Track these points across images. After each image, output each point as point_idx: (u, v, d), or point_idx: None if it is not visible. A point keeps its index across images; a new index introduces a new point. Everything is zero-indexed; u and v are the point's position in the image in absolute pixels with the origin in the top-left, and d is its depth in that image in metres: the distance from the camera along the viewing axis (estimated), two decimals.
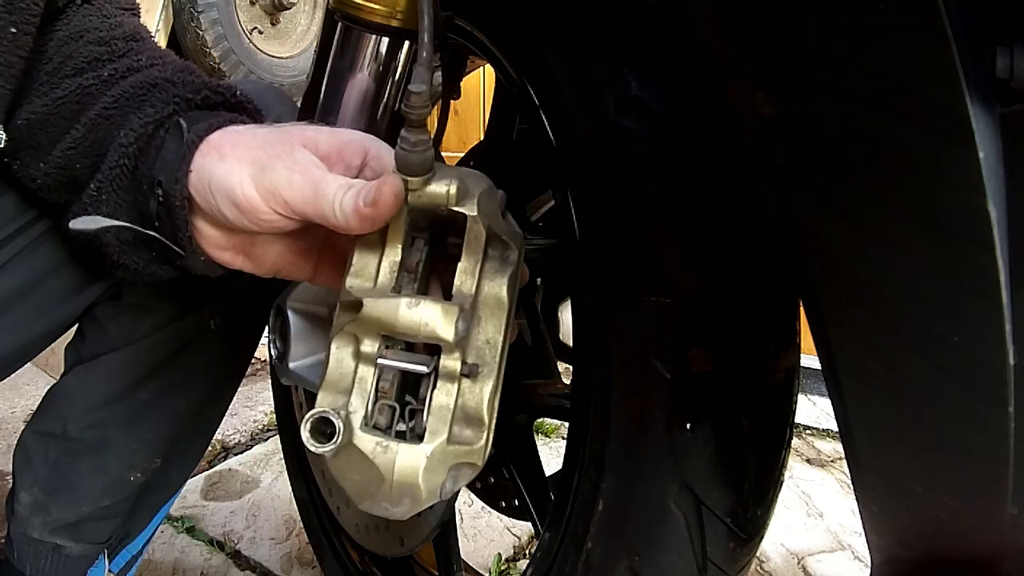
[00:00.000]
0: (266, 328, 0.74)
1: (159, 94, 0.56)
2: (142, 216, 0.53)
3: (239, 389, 0.91)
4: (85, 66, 0.59)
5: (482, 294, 0.48)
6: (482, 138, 0.87)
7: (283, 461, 1.15)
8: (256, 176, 0.47)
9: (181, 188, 0.49)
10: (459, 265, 0.47)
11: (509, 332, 0.49)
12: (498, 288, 0.48)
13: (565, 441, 0.67)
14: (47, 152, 0.58)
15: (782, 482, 0.62)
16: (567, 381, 0.77)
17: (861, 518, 0.52)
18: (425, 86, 0.43)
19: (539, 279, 0.84)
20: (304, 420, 0.44)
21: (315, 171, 0.47)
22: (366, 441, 0.45)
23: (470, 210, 0.46)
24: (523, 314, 0.83)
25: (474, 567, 1.19)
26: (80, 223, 0.52)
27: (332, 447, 0.44)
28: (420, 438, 0.45)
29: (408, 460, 0.45)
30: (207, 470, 1.55)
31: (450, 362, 0.46)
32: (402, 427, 0.46)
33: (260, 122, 0.56)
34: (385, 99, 0.67)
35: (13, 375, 0.72)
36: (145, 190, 0.51)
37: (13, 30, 0.55)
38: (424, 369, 0.46)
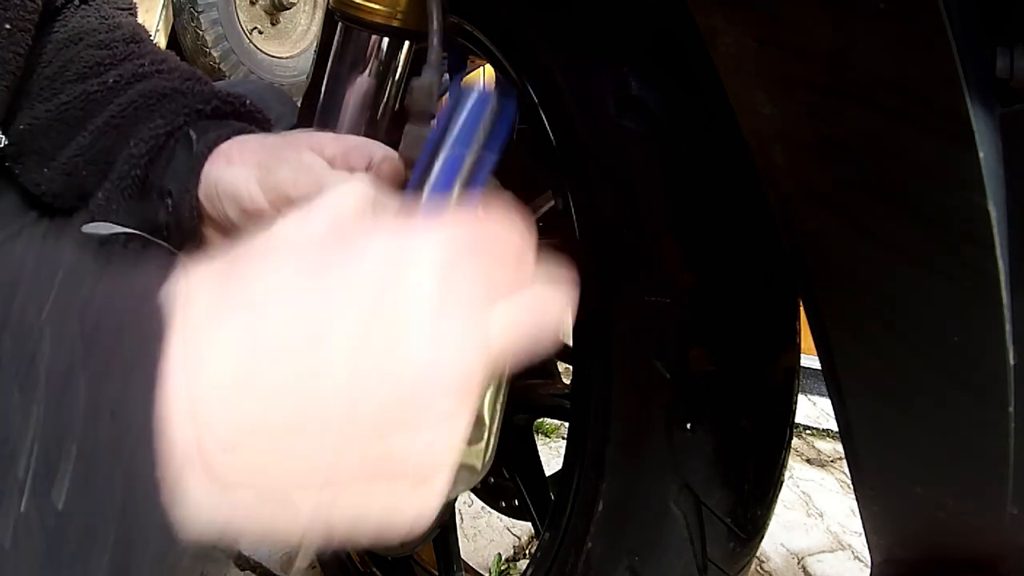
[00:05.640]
0: None
1: (169, 104, 0.56)
2: (150, 225, 0.53)
3: None
4: (87, 71, 0.59)
5: None
6: None
7: None
8: (262, 178, 0.48)
9: (191, 198, 0.50)
10: None
11: None
12: None
13: (565, 441, 0.67)
14: (51, 158, 0.58)
15: (782, 482, 0.62)
16: (567, 381, 0.77)
17: (861, 518, 0.52)
18: (427, 80, 0.43)
19: None
20: None
21: (319, 170, 0.48)
22: None
23: None
24: None
25: (474, 567, 1.18)
26: (93, 228, 0.53)
27: None
28: None
29: None
30: None
31: None
32: None
33: (269, 131, 0.56)
34: (385, 99, 0.67)
35: None
36: (155, 200, 0.52)
37: (8, 26, 0.55)
38: None
